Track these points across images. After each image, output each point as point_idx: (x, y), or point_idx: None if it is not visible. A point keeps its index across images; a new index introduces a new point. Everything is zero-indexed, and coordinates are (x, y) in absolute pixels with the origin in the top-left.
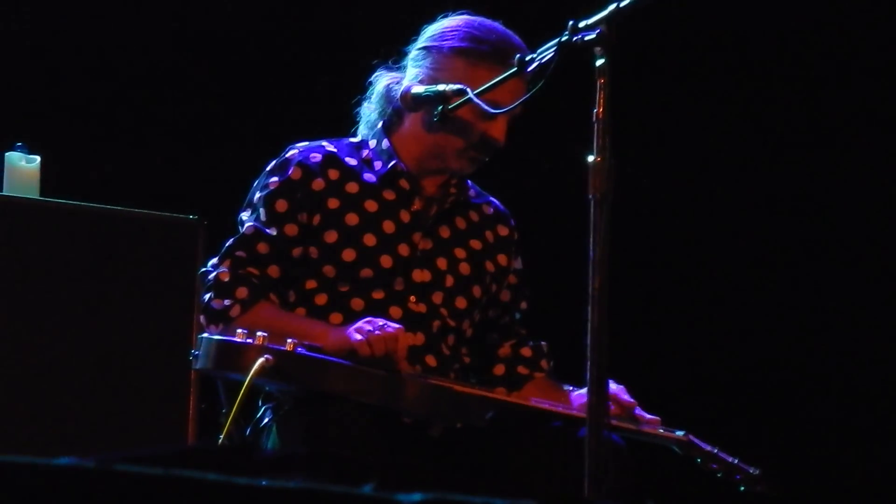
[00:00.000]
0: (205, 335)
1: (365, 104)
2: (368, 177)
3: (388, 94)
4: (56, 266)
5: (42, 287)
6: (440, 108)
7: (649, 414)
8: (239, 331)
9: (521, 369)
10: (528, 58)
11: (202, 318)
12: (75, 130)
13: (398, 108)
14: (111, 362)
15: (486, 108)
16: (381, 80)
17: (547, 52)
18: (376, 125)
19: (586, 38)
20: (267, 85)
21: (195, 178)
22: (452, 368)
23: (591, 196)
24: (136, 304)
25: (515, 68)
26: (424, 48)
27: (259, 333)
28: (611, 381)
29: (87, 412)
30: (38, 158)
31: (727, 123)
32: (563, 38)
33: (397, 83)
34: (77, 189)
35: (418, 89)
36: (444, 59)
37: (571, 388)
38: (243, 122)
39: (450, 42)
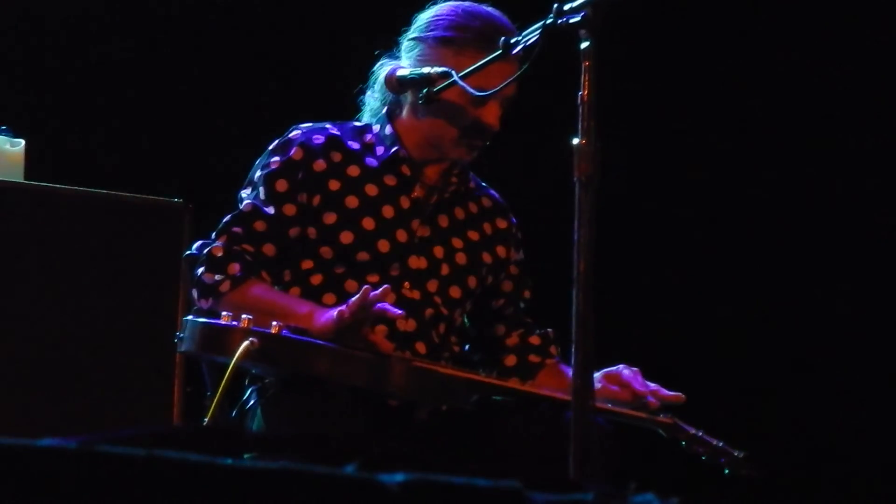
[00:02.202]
0: (190, 318)
1: (368, 92)
2: (370, 161)
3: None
4: (40, 250)
5: (26, 270)
6: (425, 90)
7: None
8: (224, 313)
9: (533, 358)
10: (512, 41)
11: (193, 291)
12: (60, 113)
13: (398, 96)
14: (96, 345)
15: (471, 90)
16: (384, 69)
17: (532, 35)
18: (380, 112)
19: (571, 21)
20: (255, 68)
21: (181, 161)
22: (442, 356)
23: (576, 179)
24: (121, 286)
25: (500, 51)
26: (414, 39)
27: (244, 316)
28: (624, 367)
29: (71, 395)
30: (22, 142)
31: (714, 105)
32: (548, 21)
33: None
34: (62, 172)
35: (403, 72)
36: (430, 50)
37: None
38: (230, 105)
39: (434, 32)
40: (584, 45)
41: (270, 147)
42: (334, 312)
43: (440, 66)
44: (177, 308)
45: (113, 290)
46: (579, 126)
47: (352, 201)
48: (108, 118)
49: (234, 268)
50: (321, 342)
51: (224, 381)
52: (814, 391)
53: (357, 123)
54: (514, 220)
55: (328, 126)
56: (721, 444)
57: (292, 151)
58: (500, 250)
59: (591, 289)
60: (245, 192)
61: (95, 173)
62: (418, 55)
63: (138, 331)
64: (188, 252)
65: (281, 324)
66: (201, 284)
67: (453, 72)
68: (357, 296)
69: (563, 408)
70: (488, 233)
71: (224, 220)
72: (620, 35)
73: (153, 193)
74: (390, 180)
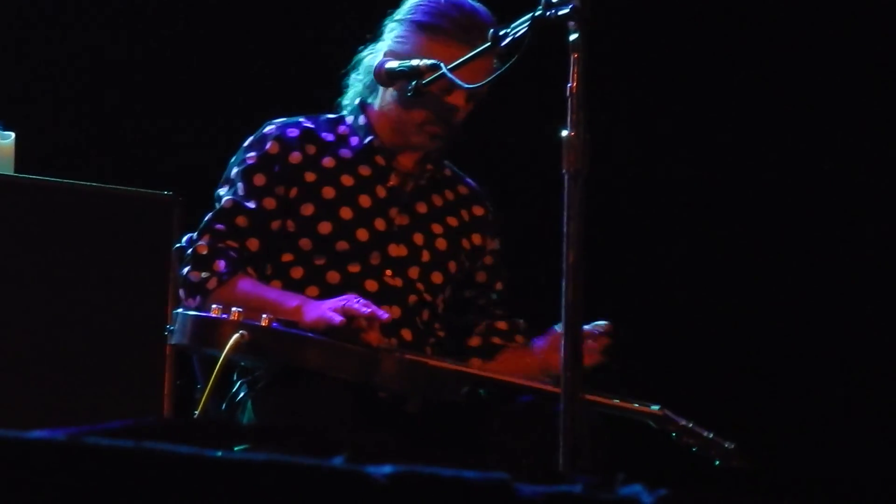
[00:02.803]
0: (180, 310)
1: (352, 75)
2: (344, 152)
3: (369, 67)
4: (31, 243)
5: (16, 263)
6: (414, 83)
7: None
8: (214, 306)
9: (496, 340)
10: (501, 33)
11: (180, 291)
12: (51, 106)
13: (373, 83)
14: (86, 338)
15: (459, 82)
16: (368, 53)
17: (520, 27)
18: (357, 98)
19: (560, 13)
20: (243, 61)
21: (171, 154)
22: (428, 342)
23: (564, 171)
24: (111, 280)
25: (488, 44)
26: (397, 21)
27: (234, 309)
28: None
29: (61, 388)
30: (12, 134)
31: (702, 96)
32: (537, 13)
33: (376, 56)
34: (52, 165)
35: (392, 64)
36: (407, 34)
37: (551, 330)
38: (220, 98)
39: (414, 16)
40: (572, 37)
41: (245, 143)
42: (328, 313)
43: (414, 50)
44: (167, 301)
45: (103, 283)
46: (568, 118)
47: (328, 192)
48: (98, 111)
49: (220, 265)
50: (311, 335)
51: (214, 374)
52: (805, 382)
53: (330, 116)
54: (491, 207)
55: (301, 119)
56: (712, 435)
57: (268, 145)
58: (476, 238)
59: (581, 281)
60: (223, 190)
61: (86, 166)
62: (396, 37)
63: (128, 324)
64: (178, 245)
65: (271, 316)
66: (188, 283)
67: (442, 64)
68: (364, 307)
69: (552, 399)
70: (466, 219)
71: (205, 218)
72: (609, 27)
73: (143, 186)
74: (365, 170)
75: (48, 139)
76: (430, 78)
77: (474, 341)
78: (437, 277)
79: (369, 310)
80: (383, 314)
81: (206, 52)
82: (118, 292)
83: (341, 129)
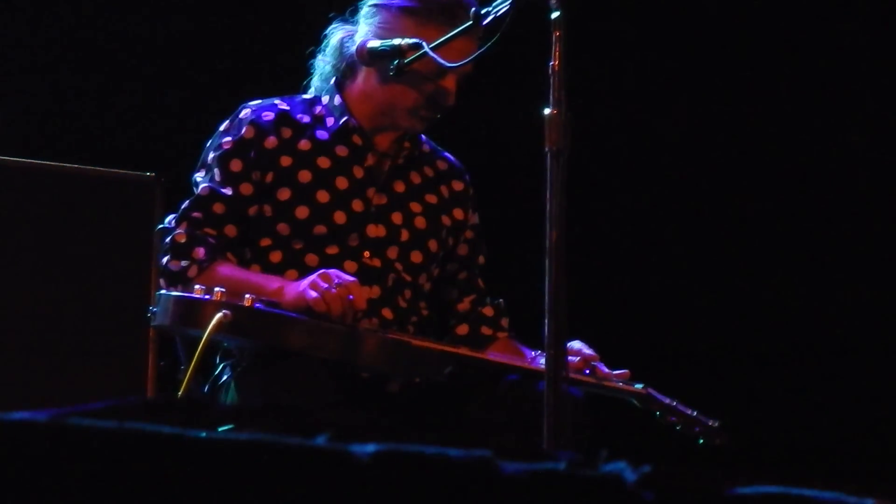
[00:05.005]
0: (162, 292)
1: (319, 57)
2: (321, 134)
3: (342, 47)
4: (12, 224)
5: None
6: (396, 62)
7: (616, 369)
8: (197, 287)
9: (485, 330)
10: (482, 11)
11: (161, 280)
12: (32, 87)
13: (352, 63)
14: (69, 320)
15: (442, 61)
16: (336, 34)
17: (502, 5)
18: (330, 79)
19: None
20: (222, 41)
21: (151, 135)
22: (410, 321)
23: (547, 149)
24: (93, 261)
25: (470, 22)
26: (375, 6)
27: (217, 289)
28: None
29: (44, 370)
30: None
31: (685, 75)
32: None
33: (351, 37)
34: (33, 147)
35: (374, 43)
36: (392, 19)
37: (535, 353)
38: (199, 78)
39: (398, 2)
40: (554, 14)
41: (221, 128)
42: (304, 288)
43: (402, 35)
44: (149, 282)
45: (85, 264)
46: (550, 97)
47: (305, 175)
48: (79, 92)
49: (199, 252)
50: (294, 315)
51: (197, 355)
52: (787, 360)
53: (306, 96)
54: (470, 181)
55: (277, 102)
56: (695, 413)
57: (243, 130)
58: (458, 213)
59: (564, 259)
60: (199, 176)
61: (66, 148)
62: (379, 23)
63: (111, 305)
64: (161, 226)
65: (254, 297)
66: (168, 273)
67: (424, 43)
68: (334, 285)
69: (533, 378)
70: (446, 195)
71: (182, 206)
72: (591, 5)
73: (125, 168)
74: (342, 151)
75: (29, 120)
76: (412, 57)
77: (462, 329)
78: (416, 257)
79: (336, 289)
80: (347, 279)
81: (185, 31)
82: (100, 273)
83: (317, 109)
